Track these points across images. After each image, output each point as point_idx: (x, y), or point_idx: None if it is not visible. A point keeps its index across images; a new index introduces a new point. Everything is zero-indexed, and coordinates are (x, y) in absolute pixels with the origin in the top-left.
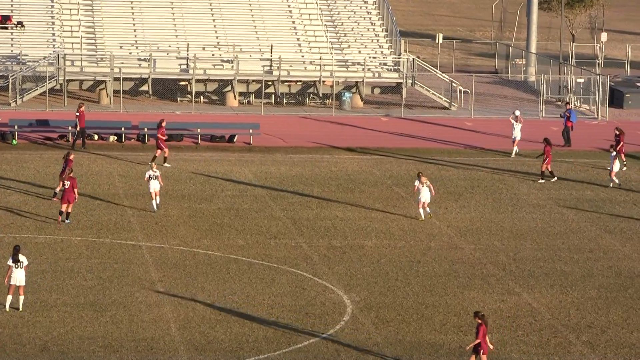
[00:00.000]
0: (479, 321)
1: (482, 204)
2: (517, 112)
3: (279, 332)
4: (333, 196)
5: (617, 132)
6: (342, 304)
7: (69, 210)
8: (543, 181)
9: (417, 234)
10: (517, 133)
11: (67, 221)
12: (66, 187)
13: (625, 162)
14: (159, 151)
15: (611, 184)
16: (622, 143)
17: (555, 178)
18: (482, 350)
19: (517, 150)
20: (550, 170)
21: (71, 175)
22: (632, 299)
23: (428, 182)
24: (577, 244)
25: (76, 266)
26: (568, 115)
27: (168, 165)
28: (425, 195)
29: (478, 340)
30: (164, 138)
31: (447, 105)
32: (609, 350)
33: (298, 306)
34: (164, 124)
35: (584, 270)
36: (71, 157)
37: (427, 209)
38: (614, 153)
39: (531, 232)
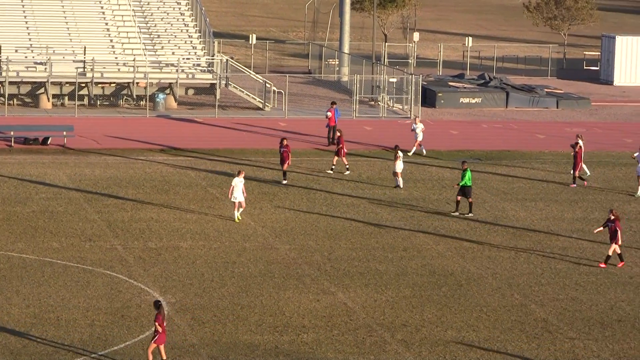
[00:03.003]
0: (156, 311)
1: (297, 204)
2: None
3: (95, 334)
4: (148, 198)
5: (339, 134)
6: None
7: None
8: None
9: (232, 235)
10: (419, 133)
11: None
12: None
13: (347, 165)
14: None
15: (398, 184)
16: (342, 144)
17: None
18: (157, 339)
19: (416, 150)
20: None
21: None
22: (446, 297)
23: (240, 183)
24: (391, 243)
25: None
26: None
27: None
28: (237, 195)
29: (159, 328)
30: None
31: (261, 105)
32: (423, 349)
33: (114, 308)
34: None
35: (398, 269)
36: None
37: (236, 211)
38: (400, 153)
39: (345, 231)
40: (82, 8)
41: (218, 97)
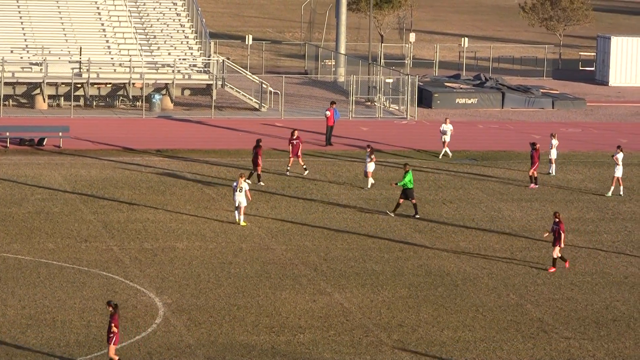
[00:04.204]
0: (112, 310)
1: (293, 204)
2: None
3: (91, 335)
4: (144, 199)
5: (297, 135)
6: (154, 307)
7: None
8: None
9: (229, 236)
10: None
11: None
12: None
13: (305, 166)
14: None
15: (369, 185)
16: (299, 146)
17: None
18: (114, 339)
19: (446, 152)
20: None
21: None
22: (442, 297)
23: (246, 187)
24: (387, 243)
25: None
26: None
27: None
28: (240, 200)
29: (115, 329)
30: None
31: (257, 106)
32: (420, 349)
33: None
34: None
35: (394, 269)
36: None
37: (242, 216)
38: (370, 154)
39: (342, 232)
40: (78, 8)
41: (214, 97)
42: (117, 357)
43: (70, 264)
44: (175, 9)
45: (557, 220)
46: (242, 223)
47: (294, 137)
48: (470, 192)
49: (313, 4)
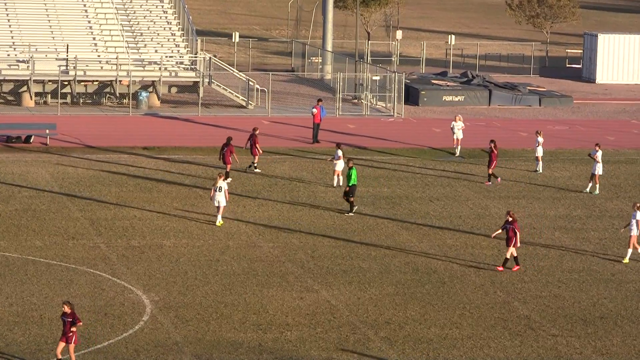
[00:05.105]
0: (69, 310)
1: (280, 202)
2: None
3: (78, 333)
4: (131, 196)
5: (253, 132)
6: (141, 304)
7: None
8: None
9: (216, 233)
10: (459, 133)
11: None
12: None
13: (256, 165)
14: None
15: (335, 183)
16: (257, 143)
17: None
18: (75, 338)
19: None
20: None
21: None
22: (429, 294)
23: (225, 186)
24: (374, 241)
25: None
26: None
27: None
28: (220, 200)
29: (74, 328)
30: None
31: (244, 104)
32: (407, 346)
33: (97, 307)
34: None
35: (381, 266)
36: None
37: (219, 215)
38: (340, 152)
39: (329, 229)
40: (65, 6)
41: (201, 95)
42: (73, 357)
43: (58, 262)
44: (162, 6)
45: (511, 219)
46: (218, 223)
47: (256, 135)
48: (457, 190)
49: (300, 2)
